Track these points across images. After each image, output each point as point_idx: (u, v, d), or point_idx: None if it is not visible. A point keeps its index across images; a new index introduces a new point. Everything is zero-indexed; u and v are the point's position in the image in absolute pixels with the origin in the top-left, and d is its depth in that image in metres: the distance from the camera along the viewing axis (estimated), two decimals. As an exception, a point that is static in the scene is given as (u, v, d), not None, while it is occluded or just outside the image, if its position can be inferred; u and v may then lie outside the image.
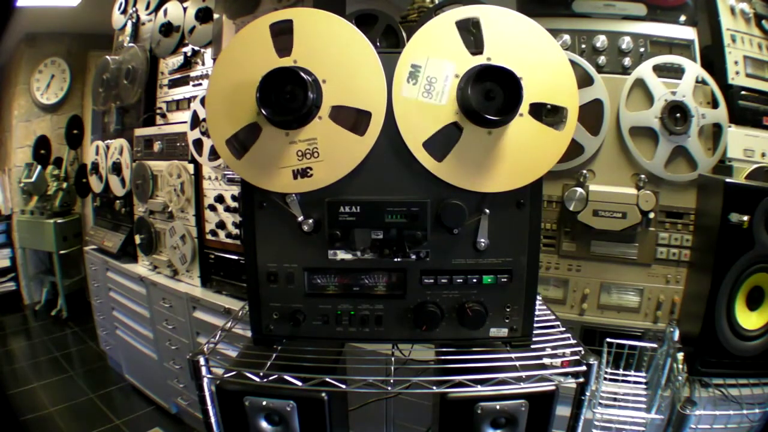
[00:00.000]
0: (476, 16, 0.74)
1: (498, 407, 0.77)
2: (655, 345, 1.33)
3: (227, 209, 1.98)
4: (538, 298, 0.93)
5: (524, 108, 0.73)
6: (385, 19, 1.05)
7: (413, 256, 0.80)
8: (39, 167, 3.50)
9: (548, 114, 0.75)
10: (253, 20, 0.76)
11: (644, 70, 1.41)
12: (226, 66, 0.77)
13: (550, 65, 0.74)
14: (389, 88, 0.75)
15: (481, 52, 0.74)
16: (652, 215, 1.43)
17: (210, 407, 0.81)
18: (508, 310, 0.83)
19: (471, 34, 0.75)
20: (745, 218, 1.19)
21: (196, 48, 2.11)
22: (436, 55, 0.74)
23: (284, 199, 0.80)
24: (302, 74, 0.71)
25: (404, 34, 1.04)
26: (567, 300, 1.54)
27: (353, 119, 0.76)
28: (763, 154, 1.44)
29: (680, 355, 1.17)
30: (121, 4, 2.63)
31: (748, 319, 1.29)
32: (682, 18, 1.50)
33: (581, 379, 0.78)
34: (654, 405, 1.21)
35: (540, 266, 1.16)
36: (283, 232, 0.82)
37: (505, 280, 0.82)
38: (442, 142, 0.75)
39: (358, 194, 0.79)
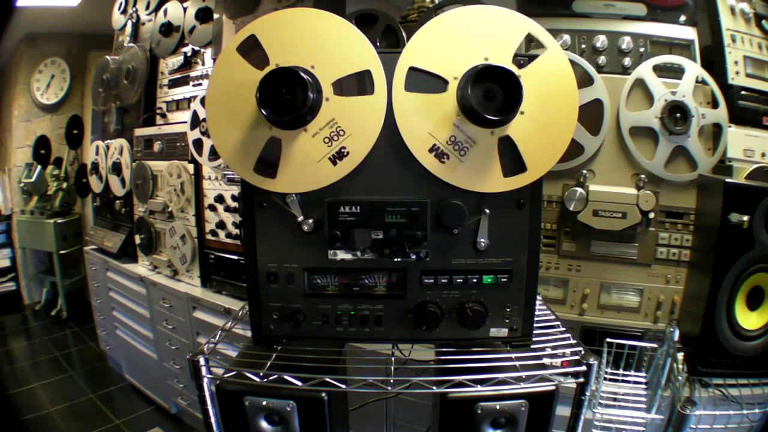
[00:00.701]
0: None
1: (498, 407, 0.77)
2: (655, 345, 1.33)
3: (227, 209, 1.98)
4: (538, 298, 0.93)
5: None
6: (385, 19, 1.05)
7: (413, 256, 0.80)
8: (39, 167, 3.50)
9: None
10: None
11: (644, 70, 1.41)
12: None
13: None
14: (389, 88, 0.75)
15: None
16: (652, 215, 1.43)
17: (210, 407, 0.81)
18: (508, 310, 0.83)
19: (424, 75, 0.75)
20: (745, 218, 1.19)
21: (196, 48, 2.11)
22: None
23: (284, 199, 0.80)
24: (301, 73, 0.71)
25: (404, 34, 1.04)
26: (567, 300, 1.54)
27: (356, 84, 0.76)
28: (763, 154, 1.44)
29: (680, 355, 1.17)
30: (121, 4, 2.63)
31: (748, 319, 1.29)
32: (682, 18, 1.50)
33: (581, 379, 0.78)
34: (654, 405, 1.21)
35: (540, 266, 1.16)
36: (283, 232, 0.81)
37: (505, 280, 0.82)
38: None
39: (358, 194, 0.78)
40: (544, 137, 0.75)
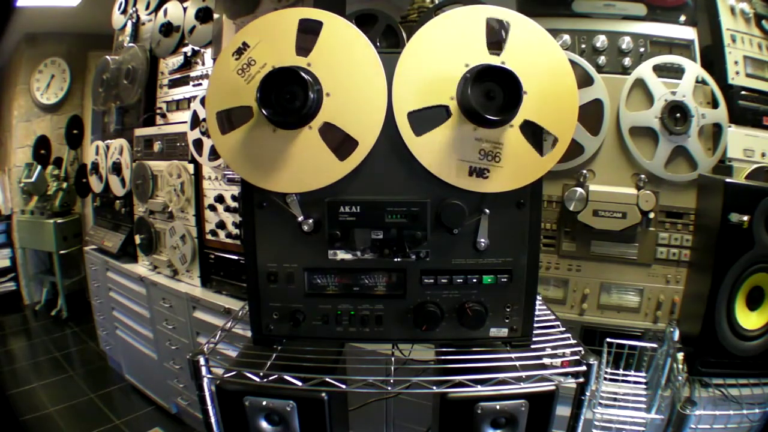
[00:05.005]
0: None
1: (498, 407, 0.77)
2: (655, 345, 1.32)
3: (227, 209, 1.98)
4: (538, 298, 0.93)
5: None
6: (385, 19, 1.05)
7: (413, 256, 0.80)
8: (39, 167, 3.50)
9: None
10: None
11: (644, 70, 1.41)
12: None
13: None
14: (389, 87, 0.75)
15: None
16: (652, 215, 1.43)
17: (210, 407, 0.81)
18: (508, 310, 0.83)
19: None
20: (745, 218, 1.20)
21: (196, 48, 2.11)
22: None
23: (284, 199, 0.80)
24: (301, 73, 0.71)
25: (404, 34, 1.04)
26: (567, 300, 1.54)
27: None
28: (763, 154, 1.44)
29: (680, 355, 1.17)
30: (121, 4, 2.63)
31: (748, 319, 1.29)
32: (682, 18, 1.50)
33: (581, 379, 0.78)
34: (654, 405, 1.21)
35: (540, 266, 1.16)
36: (283, 232, 0.82)
37: (505, 280, 0.82)
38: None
39: (358, 194, 0.79)
40: (553, 103, 0.75)
